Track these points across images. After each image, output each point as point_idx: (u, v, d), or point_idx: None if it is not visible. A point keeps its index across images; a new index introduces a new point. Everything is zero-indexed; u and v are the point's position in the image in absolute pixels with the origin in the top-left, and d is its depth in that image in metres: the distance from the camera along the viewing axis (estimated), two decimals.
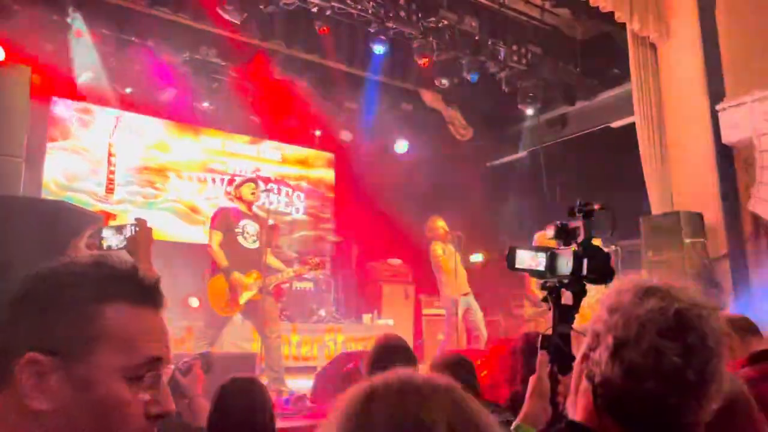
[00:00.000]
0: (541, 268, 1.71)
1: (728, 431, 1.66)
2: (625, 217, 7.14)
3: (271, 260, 5.94)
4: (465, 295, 6.93)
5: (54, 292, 0.96)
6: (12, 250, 2.54)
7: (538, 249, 1.76)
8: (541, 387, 1.53)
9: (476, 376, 2.65)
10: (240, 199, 5.93)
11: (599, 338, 1.08)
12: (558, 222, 1.76)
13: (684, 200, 6.65)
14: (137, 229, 1.98)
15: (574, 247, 1.63)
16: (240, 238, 5.74)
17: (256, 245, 5.80)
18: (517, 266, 1.75)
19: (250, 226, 5.83)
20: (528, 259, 1.75)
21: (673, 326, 1.02)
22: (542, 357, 1.55)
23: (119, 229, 2.04)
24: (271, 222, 6.86)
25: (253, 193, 5.91)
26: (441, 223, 7.10)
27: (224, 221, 5.79)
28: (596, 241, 1.72)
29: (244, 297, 5.56)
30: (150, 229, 2.03)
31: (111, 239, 2.04)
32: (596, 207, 1.79)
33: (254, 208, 6.02)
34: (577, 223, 1.73)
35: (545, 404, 1.50)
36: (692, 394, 1.02)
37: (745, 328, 2.62)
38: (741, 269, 6.27)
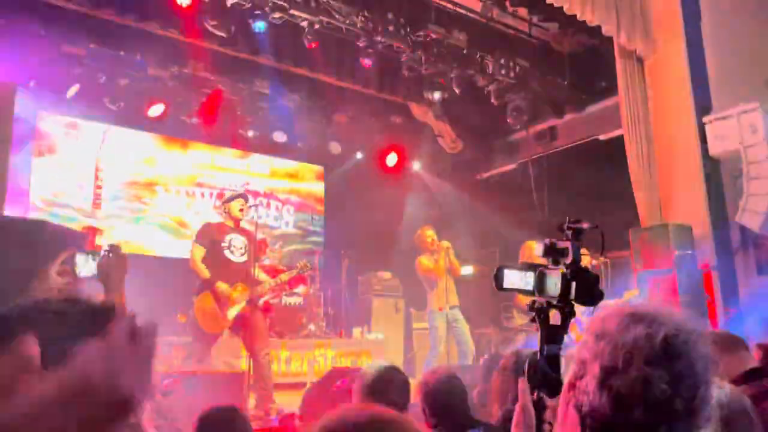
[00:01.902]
0: (530, 287, 1.68)
1: None
2: (614, 229, 7.16)
3: (259, 274, 5.90)
4: (452, 308, 6.88)
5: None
6: None
7: (527, 268, 1.73)
8: (525, 416, 1.49)
9: (467, 394, 2.63)
10: (228, 213, 5.90)
11: (586, 366, 1.06)
12: (547, 240, 1.74)
13: (672, 212, 6.67)
14: (110, 255, 1.93)
15: (562, 268, 1.60)
16: (227, 252, 5.71)
17: (244, 258, 5.77)
18: (505, 286, 1.72)
19: (237, 240, 5.80)
20: (516, 278, 1.73)
21: (661, 354, 1.00)
22: (522, 384, 1.51)
23: (92, 255, 1.98)
24: (259, 236, 6.84)
25: (241, 210, 5.88)
26: (429, 233, 7.07)
27: (208, 235, 5.78)
28: (585, 259, 1.71)
29: (232, 312, 5.52)
30: (125, 255, 1.97)
31: (83, 266, 1.97)
32: (585, 226, 1.77)
33: (242, 224, 5.99)
34: (566, 242, 1.70)
35: None
36: (681, 422, 1.00)
37: (733, 342, 2.61)
38: (730, 281, 6.29)
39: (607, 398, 1.01)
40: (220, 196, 9.32)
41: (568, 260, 1.59)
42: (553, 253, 1.70)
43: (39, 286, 1.97)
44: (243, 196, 6.07)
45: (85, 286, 1.97)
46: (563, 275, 1.56)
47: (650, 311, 1.06)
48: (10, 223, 3.29)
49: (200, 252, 5.67)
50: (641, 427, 0.99)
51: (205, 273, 5.56)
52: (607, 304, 1.16)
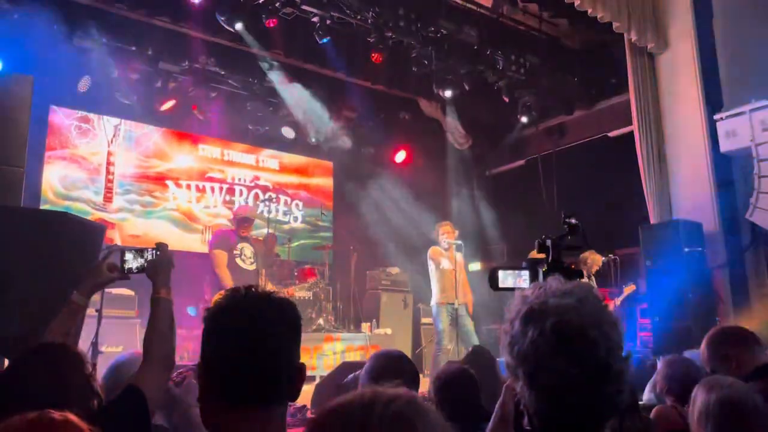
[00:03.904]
0: (525, 285, 1.74)
1: None
2: (624, 226, 7.16)
3: (267, 285, 6.12)
4: (460, 304, 6.83)
5: None
6: (15, 261, 2.54)
7: (521, 267, 1.79)
8: (504, 411, 1.54)
9: (479, 389, 2.64)
10: (238, 225, 6.40)
11: (517, 372, 1.13)
12: (542, 236, 1.79)
13: (682, 210, 6.67)
14: (158, 253, 2.06)
15: (545, 266, 1.67)
16: (238, 260, 6.09)
17: (254, 267, 6.17)
18: (500, 286, 1.77)
19: (247, 249, 6.22)
20: (510, 278, 1.78)
21: (557, 345, 1.07)
22: (506, 380, 1.55)
23: (140, 252, 2.12)
24: (269, 231, 6.91)
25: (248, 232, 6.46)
26: (445, 229, 7.02)
27: (225, 242, 6.15)
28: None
29: None
30: (171, 253, 2.10)
31: (131, 262, 2.14)
32: (573, 221, 1.82)
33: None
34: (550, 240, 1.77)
35: (509, 429, 1.51)
36: (602, 381, 1.07)
37: (746, 338, 2.60)
38: (740, 279, 6.29)
39: (541, 397, 1.09)
40: (230, 190, 9.39)
41: (550, 257, 1.65)
42: (544, 250, 1.76)
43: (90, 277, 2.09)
44: (251, 221, 6.64)
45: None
46: (544, 273, 1.62)
47: (536, 305, 1.12)
48: (34, 214, 3.33)
49: (224, 257, 6.00)
50: (579, 407, 1.07)
51: (229, 281, 5.81)
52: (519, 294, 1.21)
